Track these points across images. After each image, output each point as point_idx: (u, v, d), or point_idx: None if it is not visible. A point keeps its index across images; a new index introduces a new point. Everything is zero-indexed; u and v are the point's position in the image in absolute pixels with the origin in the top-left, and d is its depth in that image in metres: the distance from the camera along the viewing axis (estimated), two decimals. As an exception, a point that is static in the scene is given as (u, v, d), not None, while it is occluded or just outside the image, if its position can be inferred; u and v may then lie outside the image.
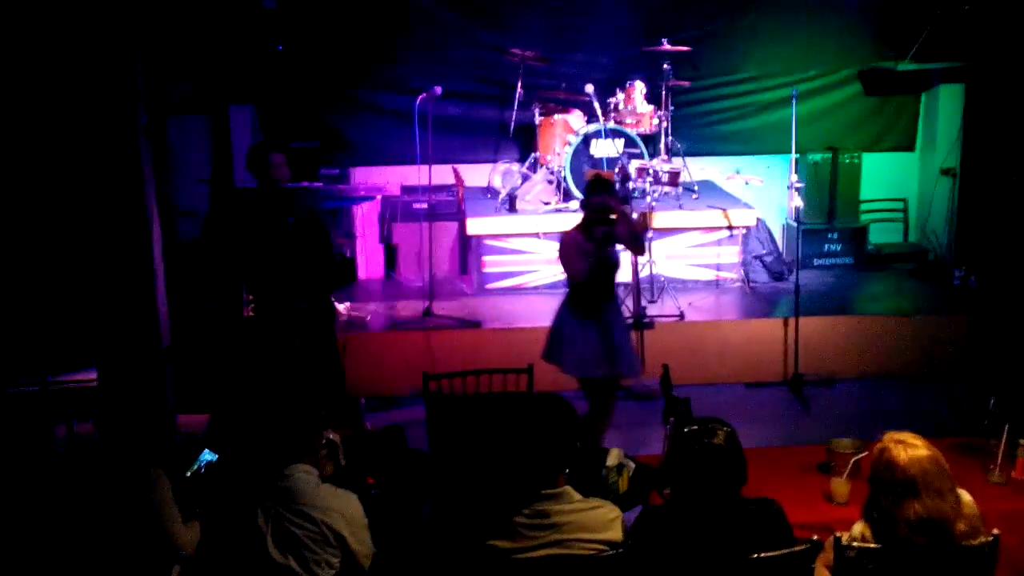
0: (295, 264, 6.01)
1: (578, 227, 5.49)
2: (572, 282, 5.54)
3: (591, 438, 5.32)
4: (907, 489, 3.31)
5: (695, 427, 3.47)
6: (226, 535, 3.71)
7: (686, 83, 8.99)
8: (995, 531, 3.39)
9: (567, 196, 8.54)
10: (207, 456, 4.22)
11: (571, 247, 5.43)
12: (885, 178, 9.68)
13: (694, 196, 8.85)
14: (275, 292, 6.06)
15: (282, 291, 6.04)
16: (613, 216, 5.30)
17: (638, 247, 5.87)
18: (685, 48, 8.77)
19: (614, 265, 5.55)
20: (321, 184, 7.80)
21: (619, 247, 5.58)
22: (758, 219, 8.68)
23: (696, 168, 9.17)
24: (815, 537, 3.43)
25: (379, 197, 8.77)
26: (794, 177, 7.69)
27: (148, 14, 6.58)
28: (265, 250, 5.99)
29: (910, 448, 3.35)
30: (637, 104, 8.73)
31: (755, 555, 3.28)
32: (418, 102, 7.62)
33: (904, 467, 3.31)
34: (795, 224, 8.54)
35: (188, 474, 4.16)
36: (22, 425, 5.13)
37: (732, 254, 8.54)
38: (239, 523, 3.61)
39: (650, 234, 8.05)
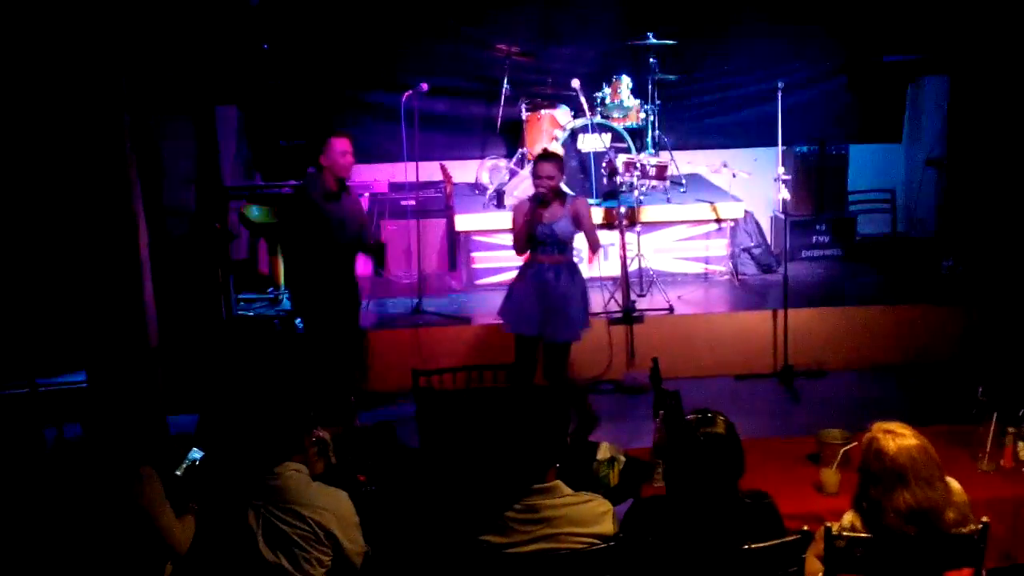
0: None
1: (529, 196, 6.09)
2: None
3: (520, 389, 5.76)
4: (897, 479, 3.32)
5: (695, 416, 3.48)
6: (217, 534, 3.70)
7: (672, 77, 8.99)
8: (984, 519, 3.40)
9: (555, 191, 8.53)
10: (195, 454, 4.20)
11: (518, 212, 6.08)
12: (872, 169, 9.70)
13: (682, 190, 8.86)
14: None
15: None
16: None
17: (593, 242, 6.12)
18: (671, 42, 8.78)
19: (554, 235, 5.92)
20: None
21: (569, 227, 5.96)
22: (746, 212, 8.70)
23: (683, 161, 9.17)
24: (805, 528, 3.43)
25: (367, 194, 8.75)
26: (781, 169, 7.70)
27: (132, 14, 6.57)
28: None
29: (899, 438, 3.36)
30: (623, 98, 8.73)
31: (747, 546, 3.29)
32: (404, 99, 7.61)
33: (893, 457, 3.32)
34: (783, 216, 8.56)
35: (178, 472, 4.14)
36: (11, 427, 5.12)
37: (720, 247, 8.56)
38: (230, 522, 3.60)
39: (638, 228, 8.07)
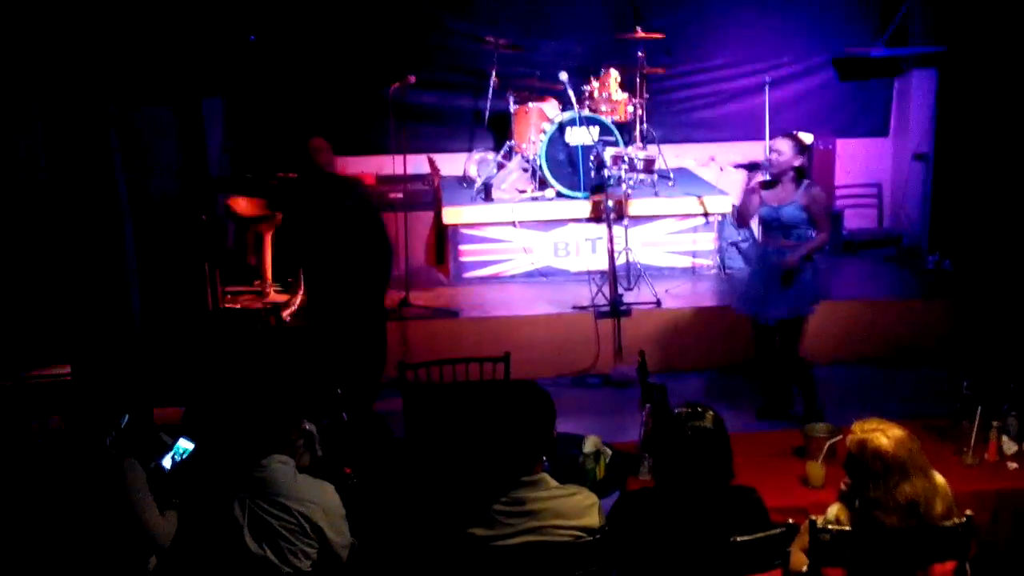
0: (355, 247, 6.02)
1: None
2: None
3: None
4: (898, 472, 3.32)
5: (684, 410, 3.48)
6: (203, 526, 3.69)
7: (660, 70, 9.00)
8: (968, 512, 3.42)
9: (542, 184, 8.53)
10: (183, 446, 4.18)
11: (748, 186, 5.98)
12: (859, 164, 9.73)
13: (669, 183, 8.87)
14: (335, 278, 6.05)
15: (342, 277, 6.03)
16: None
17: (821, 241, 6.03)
18: (659, 35, 8.78)
19: (779, 219, 5.86)
20: (296, 175, 7.77)
21: None
22: (733, 205, 8.70)
23: (671, 155, 9.18)
24: (791, 521, 3.44)
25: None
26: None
27: (116, 5, 6.54)
28: (327, 235, 5.99)
29: (888, 432, 3.37)
30: (611, 92, 8.73)
31: (732, 539, 3.29)
32: (392, 91, 7.58)
33: (892, 452, 3.33)
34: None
35: (164, 464, 4.13)
36: (-3, 420, 5.10)
37: (708, 241, 8.57)
38: (216, 514, 3.60)
39: (625, 222, 8.07)
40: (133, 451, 3.93)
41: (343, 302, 6.10)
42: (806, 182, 5.90)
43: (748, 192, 6.00)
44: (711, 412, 3.47)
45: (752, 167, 6.12)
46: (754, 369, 6.49)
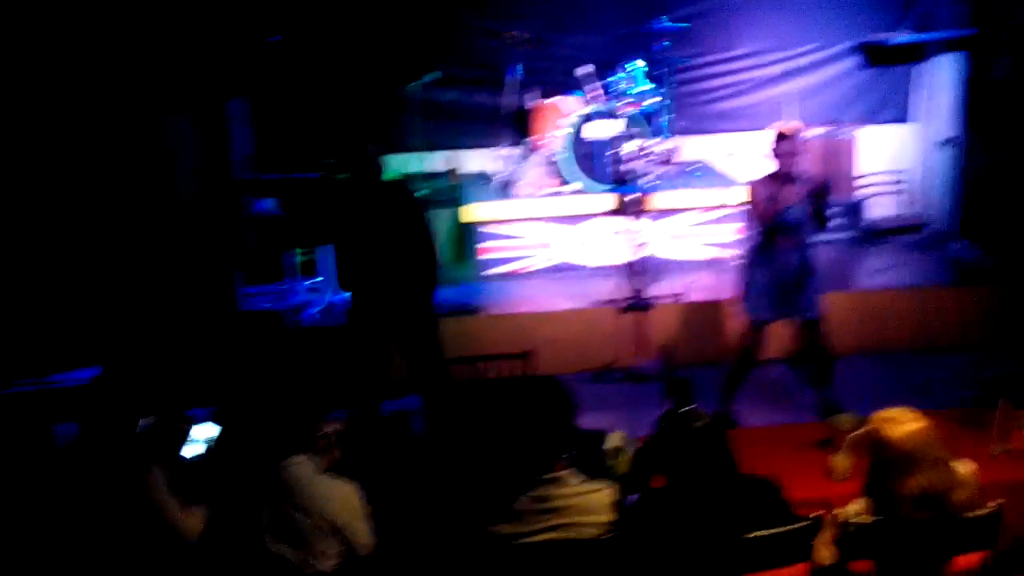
0: (409, 249, 5.91)
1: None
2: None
3: None
4: (906, 464, 3.30)
5: (685, 410, 3.48)
6: (226, 527, 3.71)
7: (683, 62, 8.94)
8: (999, 501, 3.38)
9: (565, 179, 8.51)
10: (205, 433, 4.20)
11: (757, 186, 5.86)
12: (884, 151, 9.64)
13: (696, 175, 8.81)
14: (384, 282, 5.90)
15: (391, 280, 5.89)
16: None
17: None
18: (684, 25, 8.73)
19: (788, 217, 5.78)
20: (321, 174, 7.79)
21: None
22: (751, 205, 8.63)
23: (694, 147, 9.13)
24: (816, 514, 3.42)
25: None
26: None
27: (140, 7, 6.58)
28: (381, 239, 5.86)
29: (901, 424, 3.34)
30: (634, 84, 8.69)
31: (754, 534, 3.27)
32: (412, 88, 7.58)
33: (899, 444, 3.31)
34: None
35: (189, 454, 4.15)
36: (22, 424, 5.14)
37: (731, 232, 8.52)
38: (238, 515, 3.61)
39: (649, 215, 8.03)
40: (157, 451, 3.95)
41: (398, 304, 6.04)
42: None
43: (764, 190, 5.90)
44: (703, 414, 3.48)
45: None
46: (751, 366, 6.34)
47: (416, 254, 5.88)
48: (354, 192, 5.89)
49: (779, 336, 7.12)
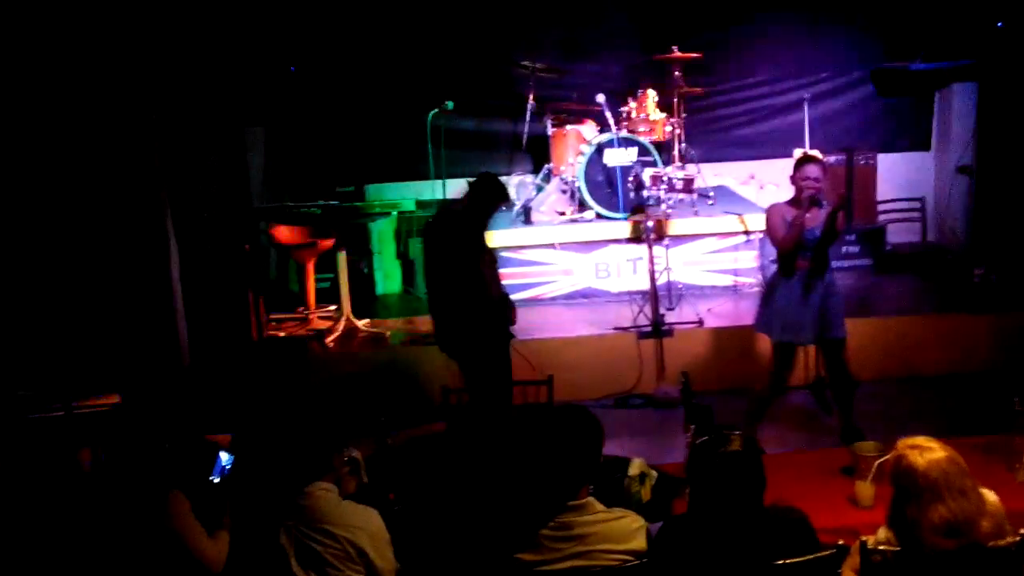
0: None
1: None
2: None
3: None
4: (930, 493, 3.27)
5: (712, 436, 3.45)
6: (250, 554, 3.72)
7: (698, 90, 8.99)
8: (1022, 531, 3.35)
9: (582, 206, 8.54)
10: (225, 460, 4.20)
11: (774, 213, 5.90)
12: (901, 178, 9.64)
13: (710, 202, 8.83)
14: (472, 307, 5.95)
15: (475, 305, 5.93)
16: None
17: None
18: (696, 55, 8.78)
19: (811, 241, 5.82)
20: (336, 202, 7.85)
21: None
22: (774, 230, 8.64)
23: (711, 174, 9.16)
24: (840, 542, 3.40)
25: (395, 213, 8.78)
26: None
27: (161, 36, 6.64)
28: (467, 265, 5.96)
29: (926, 452, 3.31)
30: (649, 112, 8.74)
31: (779, 561, 3.25)
32: (430, 117, 7.64)
33: (924, 472, 3.27)
34: (812, 227, 8.49)
35: (213, 479, 4.15)
36: (47, 450, 5.16)
37: (750, 259, 8.51)
38: (262, 542, 3.62)
39: (666, 241, 8.05)
40: (181, 476, 3.96)
41: (478, 330, 5.97)
42: (826, 204, 5.82)
43: (784, 215, 5.90)
44: (738, 433, 3.44)
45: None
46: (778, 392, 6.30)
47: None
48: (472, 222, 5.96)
49: (799, 362, 7.14)
